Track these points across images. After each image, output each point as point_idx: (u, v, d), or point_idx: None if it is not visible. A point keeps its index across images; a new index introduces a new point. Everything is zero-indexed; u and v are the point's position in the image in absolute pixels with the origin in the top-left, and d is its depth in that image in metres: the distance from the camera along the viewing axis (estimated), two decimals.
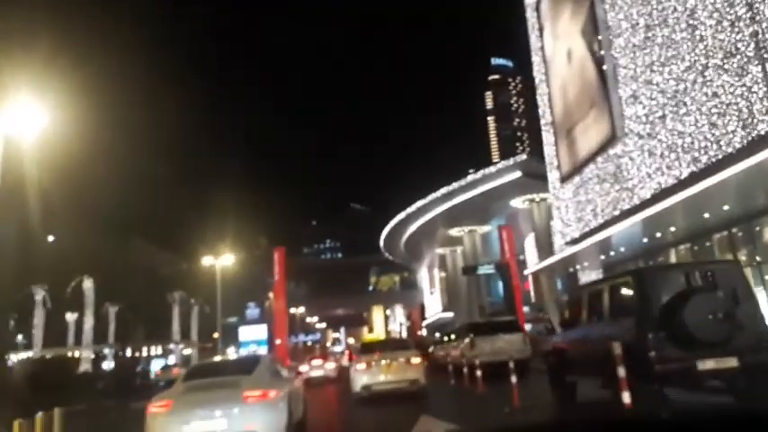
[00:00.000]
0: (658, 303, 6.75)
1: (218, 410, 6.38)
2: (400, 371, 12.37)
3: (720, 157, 13.97)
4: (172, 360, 48.84)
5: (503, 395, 10.58)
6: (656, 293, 6.91)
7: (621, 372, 6.41)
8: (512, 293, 24.88)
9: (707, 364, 6.48)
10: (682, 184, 15.50)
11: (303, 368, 23.85)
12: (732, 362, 6.51)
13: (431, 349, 24.24)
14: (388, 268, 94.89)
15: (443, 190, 32.91)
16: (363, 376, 12.59)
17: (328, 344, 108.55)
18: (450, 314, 50.84)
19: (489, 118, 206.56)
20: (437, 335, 53.72)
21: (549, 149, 25.83)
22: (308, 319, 74.59)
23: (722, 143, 13.95)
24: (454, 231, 40.47)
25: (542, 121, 26.33)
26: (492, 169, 30.41)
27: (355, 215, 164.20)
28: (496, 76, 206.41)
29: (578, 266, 27.22)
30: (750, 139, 12.99)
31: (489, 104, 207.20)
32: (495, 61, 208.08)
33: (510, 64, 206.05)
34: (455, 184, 32.12)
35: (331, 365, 25.04)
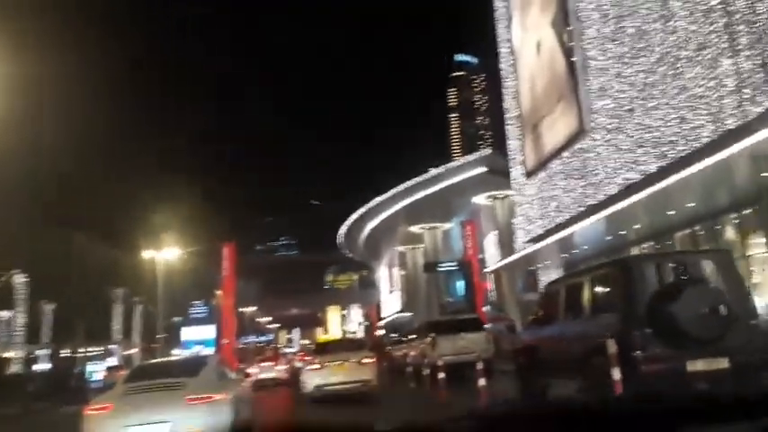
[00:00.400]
0: (645, 296, 6.08)
1: (160, 414, 6.19)
2: (353, 371, 12.35)
3: (688, 152, 13.67)
4: (113, 361, 46.46)
5: (467, 398, 9.89)
6: (642, 286, 6.25)
7: (617, 374, 5.69)
8: (473, 291, 24.32)
9: (696, 365, 5.82)
10: (649, 180, 15.16)
11: (252, 370, 22.72)
12: (723, 363, 5.87)
13: (388, 349, 23.47)
14: (347, 267, 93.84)
15: (406, 184, 32.19)
16: (315, 376, 12.58)
17: (281, 345, 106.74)
18: (408, 314, 50.23)
19: (452, 115, 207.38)
20: (394, 335, 53.33)
21: (513, 144, 25.44)
22: (260, 319, 72.60)
23: (691, 138, 13.65)
24: (415, 228, 39.83)
25: (508, 116, 25.93)
26: (455, 164, 29.90)
27: (313, 212, 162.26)
28: (460, 73, 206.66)
29: (540, 265, 26.94)
30: (719, 134, 12.70)
31: (453, 102, 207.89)
32: (459, 58, 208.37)
33: (474, 61, 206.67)
34: (418, 179, 31.46)
35: (282, 367, 24.20)
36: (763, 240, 14.82)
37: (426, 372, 13.21)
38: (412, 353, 16.92)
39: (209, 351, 46.79)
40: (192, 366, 7.62)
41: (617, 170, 16.92)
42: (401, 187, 32.76)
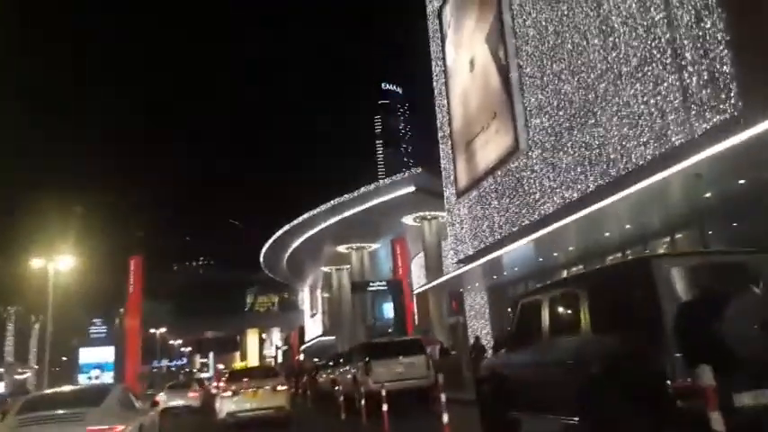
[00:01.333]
0: (674, 308, 4.60)
1: None
2: (266, 398, 12.71)
3: (630, 169, 13.24)
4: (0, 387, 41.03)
5: None
6: (670, 293, 4.73)
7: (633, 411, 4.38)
8: (403, 313, 23.05)
9: (743, 399, 4.33)
10: (587, 198, 14.65)
11: (161, 397, 21.67)
12: None
13: (313, 375, 21.69)
14: (267, 288, 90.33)
15: (333, 202, 30.72)
16: (229, 403, 12.81)
17: (195, 370, 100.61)
18: (331, 338, 48.32)
19: (377, 142, 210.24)
20: (316, 359, 51.07)
21: (445, 163, 24.71)
22: (172, 342, 67.73)
23: (633, 155, 13.23)
24: (342, 248, 38.30)
25: (439, 134, 25.23)
26: (386, 181, 28.86)
27: (234, 233, 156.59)
28: (386, 101, 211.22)
29: (469, 287, 26.20)
30: (662, 150, 12.31)
31: (378, 129, 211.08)
32: (386, 86, 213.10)
33: (399, 91, 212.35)
34: (346, 196, 30.12)
35: (194, 393, 22.78)
36: None
37: (361, 402, 11.70)
38: (342, 379, 15.33)
39: (108, 376, 42.25)
40: (95, 395, 7.23)
41: (554, 189, 16.37)
42: (329, 204, 31.23)
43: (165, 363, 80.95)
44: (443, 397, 7.45)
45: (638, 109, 13.00)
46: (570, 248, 18.36)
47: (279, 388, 13.02)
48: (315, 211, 32.58)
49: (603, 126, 14.21)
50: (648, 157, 12.72)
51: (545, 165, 16.88)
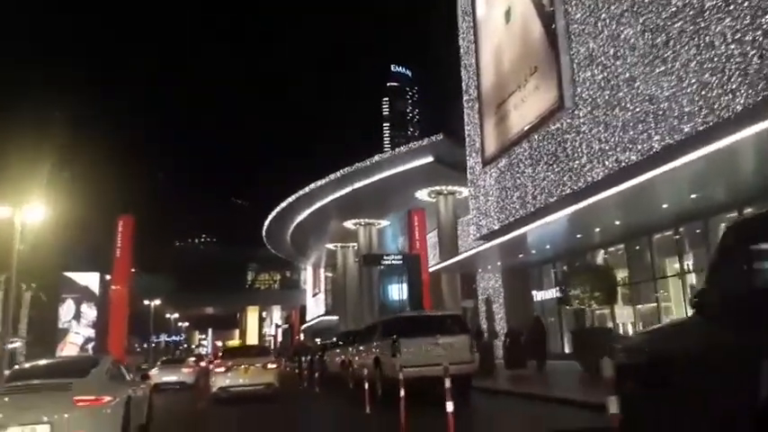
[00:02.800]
0: None
1: (43, 416, 5.77)
2: (257, 375, 13.34)
3: (711, 124, 11.02)
4: None
5: None
6: None
7: None
8: (420, 291, 20.86)
9: None
10: (650, 161, 12.45)
11: (154, 372, 21.29)
12: None
13: (318, 355, 19.73)
14: (268, 266, 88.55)
15: (343, 171, 28.44)
16: (222, 378, 13.36)
17: (194, 346, 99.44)
18: (334, 317, 46.43)
19: (385, 125, 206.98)
20: (317, 340, 49.22)
21: (470, 130, 22.48)
22: (168, 316, 66.04)
23: (717, 107, 11.00)
24: (349, 224, 36.15)
25: (464, 98, 22.95)
26: (402, 149, 26.56)
27: (235, 210, 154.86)
28: (395, 84, 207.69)
29: (490, 267, 24.11)
30: (759, 99, 10.08)
31: (386, 111, 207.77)
32: (395, 69, 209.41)
33: (409, 73, 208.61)
34: (358, 165, 27.83)
35: (188, 369, 22.26)
36: None
37: (380, 390, 9.57)
38: (359, 361, 13.15)
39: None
40: (84, 366, 7.18)
41: (606, 152, 14.16)
42: (338, 174, 28.97)
43: (163, 338, 79.57)
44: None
45: (726, 50, 10.74)
46: (616, 222, 16.17)
47: (269, 366, 13.64)
48: (322, 181, 30.33)
49: (676, 74, 11.95)
50: (738, 107, 10.49)
51: (595, 124, 14.64)
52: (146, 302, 49.37)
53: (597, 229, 16.99)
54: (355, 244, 38.84)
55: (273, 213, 36.35)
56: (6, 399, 6.13)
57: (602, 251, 18.97)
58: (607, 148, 14.15)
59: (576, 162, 15.36)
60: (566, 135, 15.89)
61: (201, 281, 76.25)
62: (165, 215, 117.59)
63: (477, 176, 21.58)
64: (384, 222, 36.31)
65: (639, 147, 13.02)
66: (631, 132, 13.28)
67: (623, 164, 13.48)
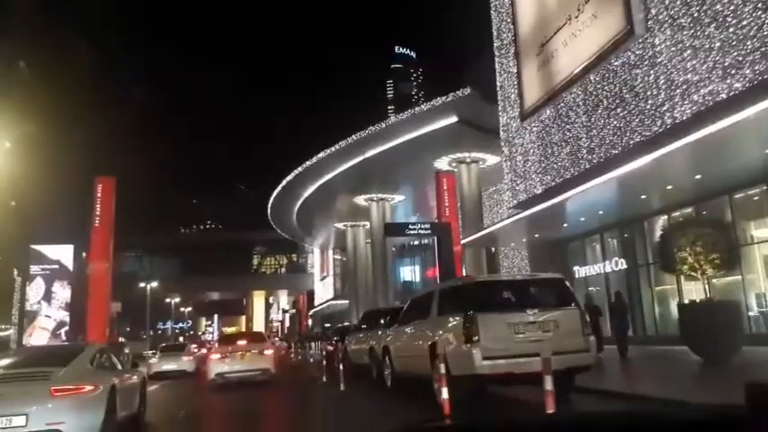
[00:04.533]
0: None
1: (16, 406, 5.67)
2: (253, 361, 13.61)
3: None
4: None
5: None
6: None
7: None
8: (451, 265, 18.15)
9: None
10: (761, 87, 9.64)
11: (153, 360, 21.73)
12: None
13: (335, 340, 17.16)
14: (274, 249, 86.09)
15: (354, 137, 25.58)
16: (219, 365, 13.65)
17: (200, 333, 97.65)
18: (344, 301, 43.93)
19: (389, 108, 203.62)
20: (327, 325, 46.76)
21: (503, 80, 19.59)
22: (168, 300, 63.85)
23: None
24: (360, 199, 33.36)
25: (495, 44, 20.02)
26: (423, 107, 23.60)
27: (240, 196, 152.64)
28: (399, 65, 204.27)
29: (525, 240, 21.41)
30: None
31: (390, 94, 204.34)
32: (399, 50, 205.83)
33: (413, 54, 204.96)
34: (371, 129, 24.95)
35: (188, 357, 21.59)
36: None
37: (442, 391, 6.07)
38: (404, 346, 9.46)
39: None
40: (66, 354, 6.98)
41: (696, 84, 11.32)
42: (348, 140, 26.11)
43: (170, 324, 77.50)
44: None
45: None
46: (697, 177, 13.35)
47: (265, 352, 13.97)
48: (331, 150, 27.50)
49: None
50: None
51: (677, 51, 11.77)
52: (141, 284, 46.96)
53: (669, 187, 14.19)
54: (367, 223, 36.11)
55: (279, 188, 33.61)
56: None
57: (666, 217, 16.21)
58: (696, 78, 11.31)
59: (650, 102, 12.52)
60: (634, 70, 13.04)
61: (206, 264, 73.88)
62: (173, 201, 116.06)
63: (514, 134, 18.75)
64: (398, 197, 33.54)
65: (747, 71, 10.17)
66: (734, 54, 10.42)
67: (722, 95, 10.65)
